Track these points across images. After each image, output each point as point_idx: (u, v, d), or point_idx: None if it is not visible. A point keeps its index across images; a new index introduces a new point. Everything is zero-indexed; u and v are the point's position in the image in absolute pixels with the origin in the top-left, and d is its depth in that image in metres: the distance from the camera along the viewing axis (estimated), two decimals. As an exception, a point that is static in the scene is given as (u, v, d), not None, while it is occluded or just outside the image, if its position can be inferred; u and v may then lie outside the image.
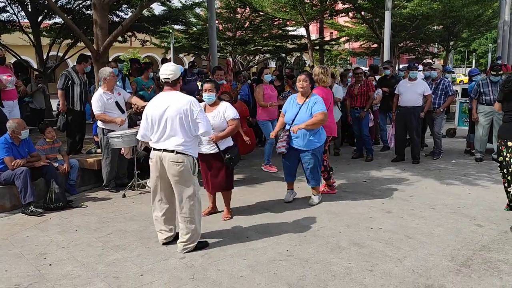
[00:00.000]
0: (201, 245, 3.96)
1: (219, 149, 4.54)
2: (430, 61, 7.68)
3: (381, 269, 3.46)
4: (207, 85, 4.55)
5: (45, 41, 13.88)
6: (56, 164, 5.60)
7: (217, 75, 7.33)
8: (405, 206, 5.03)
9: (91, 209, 5.24)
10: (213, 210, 4.94)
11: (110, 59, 8.71)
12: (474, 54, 41.01)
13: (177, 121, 3.73)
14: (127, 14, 13.75)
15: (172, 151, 3.76)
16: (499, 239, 4.00)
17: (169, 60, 11.71)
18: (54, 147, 5.83)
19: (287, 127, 5.16)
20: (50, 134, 5.73)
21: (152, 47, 21.30)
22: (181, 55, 23.97)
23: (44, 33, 14.12)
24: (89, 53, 7.34)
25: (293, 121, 5.06)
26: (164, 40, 19.84)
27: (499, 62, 10.44)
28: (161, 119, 3.77)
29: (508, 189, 4.42)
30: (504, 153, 4.35)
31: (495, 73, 6.95)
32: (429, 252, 3.77)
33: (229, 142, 4.66)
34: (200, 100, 4.62)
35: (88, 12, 12.85)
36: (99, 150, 6.46)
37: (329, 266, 3.55)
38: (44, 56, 12.99)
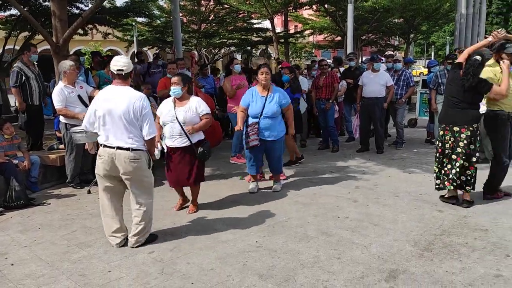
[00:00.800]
0: (152, 238, 3.94)
1: (191, 142, 4.50)
2: (392, 53, 7.88)
3: (348, 256, 3.55)
4: (174, 78, 4.50)
5: (0, 33, 13.24)
6: (16, 161, 5.39)
7: (169, 69, 7.24)
8: (370, 195, 5.17)
9: (54, 206, 5.09)
10: (184, 203, 4.89)
11: (71, 53, 8.42)
12: (433, 46, 42.43)
13: (127, 118, 3.58)
14: (87, 6, 13.32)
15: (127, 149, 3.62)
16: (458, 224, 4.19)
17: (142, 53, 11.44)
18: (13, 144, 5.59)
19: (254, 120, 5.20)
20: (9, 130, 5.50)
21: (115, 40, 20.71)
22: (145, 48, 23.44)
23: (-1, 25, 13.47)
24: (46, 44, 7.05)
25: (261, 114, 5.12)
26: (127, 33, 19.35)
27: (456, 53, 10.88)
28: (111, 114, 3.60)
29: (440, 171, 4.71)
30: (448, 137, 4.58)
31: (450, 61, 7.23)
32: (394, 238, 3.90)
33: (201, 135, 4.65)
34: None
35: (46, 3, 12.34)
36: (61, 146, 6.26)
37: (298, 255, 3.60)
38: (0, 50, 12.39)
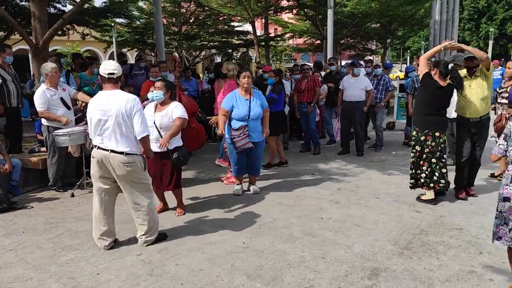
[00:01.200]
0: (161, 237, 4.01)
1: (167, 148, 4.53)
2: (371, 58, 8.09)
3: (332, 256, 3.68)
4: (158, 83, 4.54)
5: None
6: (-4, 165, 5.32)
7: (152, 72, 7.25)
8: (352, 197, 5.32)
9: (37, 210, 5.05)
10: (165, 207, 4.95)
11: (47, 53, 8.31)
12: (408, 51, 43.39)
13: (120, 121, 3.62)
14: (65, 6, 13.15)
15: (121, 153, 3.67)
16: (435, 223, 4.38)
17: (124, 55, 11.42)
18: (-6, 147, 5.51)
19: (242, 123, 5.25)
20: (-11, 133, 5.43)
21: (93, 41, 20.44)
22: (124, 50, 23.21)
23: (-27, 24, 13.11)
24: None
25: (249, 116, 5.20)
26: (105, 34, 19.13)
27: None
28: (104, 119, 3.65)
29: (418, 171, 5.02)
30: (429, 142, 4.88)
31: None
32: (375, 238, 4.05)
33: (179, 142, 4.65)
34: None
35: (23, 3, 12.12)
36: (43, 149, 6.21)
37: (284, 255, 3.71)
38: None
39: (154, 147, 4.55)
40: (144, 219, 3.86)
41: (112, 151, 3.67)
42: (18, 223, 4.62)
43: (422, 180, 4.97)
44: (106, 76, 3.68)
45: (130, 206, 3.90)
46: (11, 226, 4.55)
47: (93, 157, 3.79)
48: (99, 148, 3.73)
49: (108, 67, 3.70)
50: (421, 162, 4.95)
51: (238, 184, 5.57)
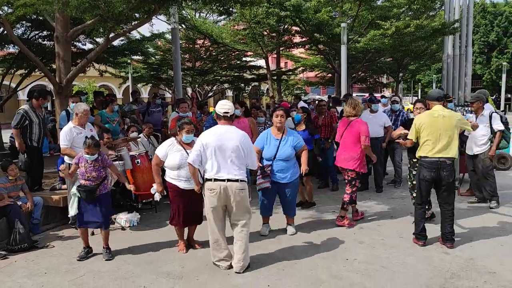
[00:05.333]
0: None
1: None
2: (397, 98, 8.02)
3: (362, 301, 3.56)
4: (190, 127, 4.68)
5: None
6: (19, 203, 5.34)
7: (181, 108, 7.33)
8: (376, 236, 5.21)
9: (58, 249, 5.02)
10: (185, 244, 4.95)
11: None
12: (419, 84, 43.63)
13: (237, 153, 4.13)
14: (85, 45, 13.58)
15: (237, 180, 4.12)
16: (466, 266, 4.23)
17: (138, 93, 11.66)
18: (17, 185, 5.55)
19: (267, 162, 5.25)
20: (13, 172, 5.47)
21: (109, 77, 20.94)
22: (139, 85, 23.70)
23: (-5, 63, 13.58)
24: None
25: (275, 156, 5.19)
26: (122, 70, 19.59)
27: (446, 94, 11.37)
28: (222, 150, 4.11)
29: None
30: None
31: (449, 100, 7.61)
32: (405, 281, 3.92)
33: None
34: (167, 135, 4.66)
35: (45, 42, 12.54)
36: (64, 186, 6.23)
37: (312, 300, 3.60)
38: (-5, 87, 12.48)
39: (185, 184, 4.65)
40: (245, 242, 4.20)
41: (228, 180, 4.10)
42: (40, 263, 4.59)
43: None
44: (222, 114, 4.21)
45: (235, 230, 4.26)
46: (33, 266, 4.52)
47: (211, 190, 4.14)
48: (215, 180, 4.12)
49: (224, 106, 4.23)
50: None
51: (264, 224, 5.46)
